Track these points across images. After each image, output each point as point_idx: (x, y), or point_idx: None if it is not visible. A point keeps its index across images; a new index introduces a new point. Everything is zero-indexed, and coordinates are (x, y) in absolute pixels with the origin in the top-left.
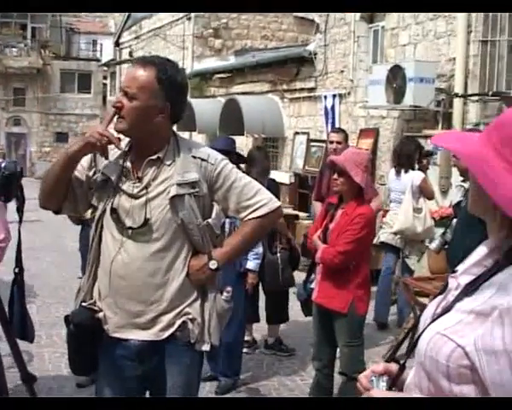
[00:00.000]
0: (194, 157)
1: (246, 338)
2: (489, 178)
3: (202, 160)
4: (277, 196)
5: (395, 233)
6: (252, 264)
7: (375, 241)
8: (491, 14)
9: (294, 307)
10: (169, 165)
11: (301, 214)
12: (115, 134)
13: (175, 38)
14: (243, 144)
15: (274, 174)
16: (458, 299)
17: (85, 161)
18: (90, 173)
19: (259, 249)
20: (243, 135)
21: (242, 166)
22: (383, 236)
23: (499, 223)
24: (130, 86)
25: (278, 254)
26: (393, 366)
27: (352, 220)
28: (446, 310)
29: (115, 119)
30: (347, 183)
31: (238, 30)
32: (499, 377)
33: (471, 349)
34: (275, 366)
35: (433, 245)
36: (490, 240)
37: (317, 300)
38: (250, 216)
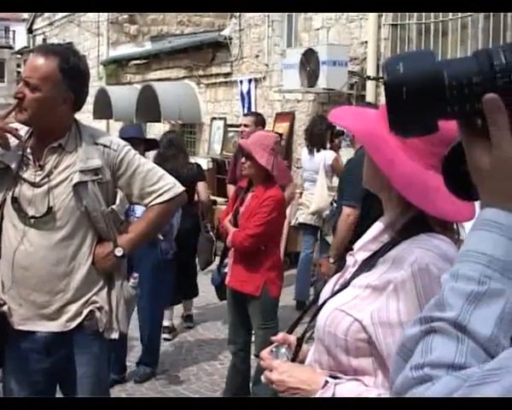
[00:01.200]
0: (97, 144)
1: (166, 324)
2: (385, 158)
3: (105, 146)
4: (205, 178)
5: (313, 213)
6: None
7: (293, 223)
8: None
9: (212, 291)
10: (71, 152)
11: (219, 200)
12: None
13: (90, 25)
14: (161, 131)
15: (192, 160)
16: (355, 275)
17: None
18: None
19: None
20: (160, 122)
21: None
22: (301, 217)
23: (394, 200)
24: (31, 76)
25: (211, 233)
26: (292, 337)
27: (262, 203)
28: (344, 286)
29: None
30: (255, 166)
31: (153, 15)
32: (395, 348)
33: (368, 323)
34: (194, 352)
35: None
36: (385, 216)
37: (230, 284)
38: (154, 202)
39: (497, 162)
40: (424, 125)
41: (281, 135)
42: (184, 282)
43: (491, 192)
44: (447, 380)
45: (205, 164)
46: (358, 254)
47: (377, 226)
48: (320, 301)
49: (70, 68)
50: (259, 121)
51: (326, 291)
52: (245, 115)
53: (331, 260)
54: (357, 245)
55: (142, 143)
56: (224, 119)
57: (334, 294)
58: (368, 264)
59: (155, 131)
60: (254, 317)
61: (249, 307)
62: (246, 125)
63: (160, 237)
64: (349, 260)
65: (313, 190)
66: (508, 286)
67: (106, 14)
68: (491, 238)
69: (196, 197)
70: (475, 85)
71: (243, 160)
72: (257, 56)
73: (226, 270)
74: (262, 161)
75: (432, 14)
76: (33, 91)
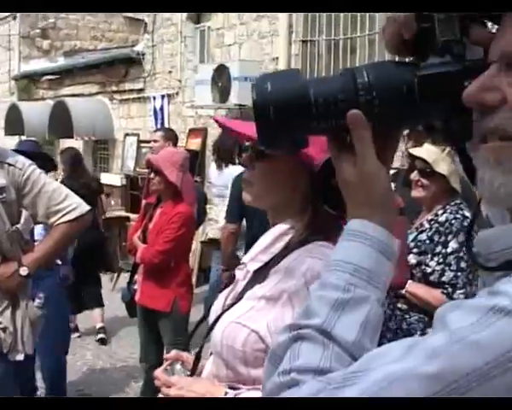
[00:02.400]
0: (2, 162)
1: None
2: None
3: (10, 165)
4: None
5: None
6: None
7: (204, 238)
8: (310, 14)
9: (123, 308)
10: None
11: (133, 216)
12: None
13: (0, 39)
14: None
15: (105, 177)
16: (248, 287)
17: None
18: None
19: None
20: (73, 138)
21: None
22: (211, 232)
23: (285, 213)
24: None
25: None
26: (185, 354)
27: (171, 219)
28: (238, 299)
29: None
30: (163, 182)
31: (67, 30)
32: None
33: (265, 333)
34: (108, 370)
35: None
36: (276, 228)
37: (141, 301)
38: (60, 220)
39: (361, 175)
40: (293, 141)
41: (197, 153)
42: (86, 291)
43: (357, 204)
44: (312, 384)
45: (118, 180)
46: (250, 265)
47: (268, 238)
48: (212, 316)
49: None
50: (169, 137)
51: (217, 306)
52: (155, 131)
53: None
54: (247, 257)
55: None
56: (138, 135)
57: (228, 307)
58: (260, 275)
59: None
60: (165, 333)
61: (160, 324)
62: (155, 141)
63: (58, 262)
64: (238, 273)
65: (222, 205)
66: (373, 293)
67: (17, 27)
68: (358, 248)
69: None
70: (340, 102)
71: (152, 175)
72: (170, 72)
73: (136, 287)
74: (172, 178)
75: (341, 30)
76: None
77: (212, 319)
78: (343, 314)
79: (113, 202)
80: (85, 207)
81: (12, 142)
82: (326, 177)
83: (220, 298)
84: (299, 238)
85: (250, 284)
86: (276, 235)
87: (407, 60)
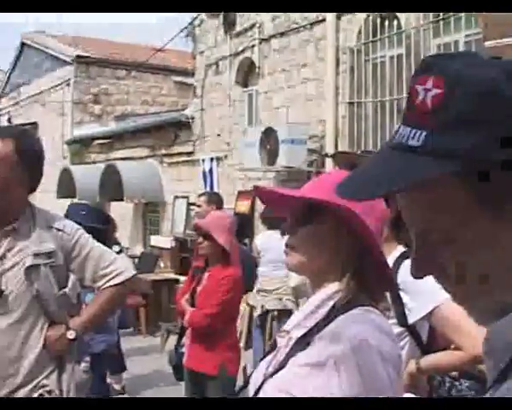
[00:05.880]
0: (51, 227)
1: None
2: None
3: (58, 230)
4: None
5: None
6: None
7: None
8: (356, 77)
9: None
10: (25, 235)
11: (182, 278)
12: None
13: (54, 105)
14: (124, 210)
15: (155, 239)
16: (292, 354)
17: None
18: None
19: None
20: (123, 200)
21: None
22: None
23: (330, 279)
24: None
25: None
26: None
27: (219, 282)
28: (280, 367)
29: None
30: (212, 246)
31: (118, 96)
32: None
33: None
34: None
35: None
36: (319, 294)
37: (188, 364)
38: (107, 284)
39: None
40: None
41: (246, 216)
42: None
43: None
44: None
45: (168, 243)
46: (294, 331)
47: (311, 304)
48: (252, 384)
49: (26, 151)
50: (212, 201)
51: (258, 374)
52: (198, 196)
53: None
54: (290, 324)
55: None
56: (187, 197)
57: (270, 375)
58: (303, 342)
59: (118, 210)
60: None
61: (207, 388)
62: (199, 206)
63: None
64: (280, 341)
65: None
66: None
67: (70, 94)
68: None
69: None
70: None
71: (200, 239)
72: (218, 135)
73: (183, 350)
74: (221, 241)
75: (387, 91)
76: None
77: (252, 386)
78: None
79: (162, 265)
80: (131, 272)
81: (64, 205)
82: None
83: (261, 366)
84: (343, 303)
85: (294, 351)
86: (320, 300)
87: None
